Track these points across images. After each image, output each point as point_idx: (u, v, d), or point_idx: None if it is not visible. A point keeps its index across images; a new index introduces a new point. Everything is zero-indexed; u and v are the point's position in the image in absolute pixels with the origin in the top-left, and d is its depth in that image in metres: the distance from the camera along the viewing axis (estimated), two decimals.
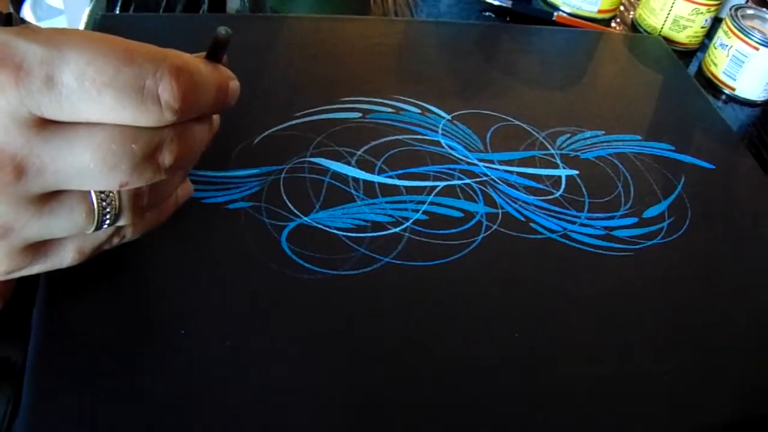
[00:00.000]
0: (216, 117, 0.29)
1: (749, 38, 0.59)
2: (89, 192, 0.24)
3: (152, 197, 0.27)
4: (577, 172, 0.46)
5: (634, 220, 0.44)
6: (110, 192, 0.25)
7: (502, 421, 0.32)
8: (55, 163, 0.22)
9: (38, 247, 0.25)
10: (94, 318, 0.32)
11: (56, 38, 0.21)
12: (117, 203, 0.25)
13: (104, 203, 0.25)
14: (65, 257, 0.26)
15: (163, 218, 0.31)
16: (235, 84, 0.27)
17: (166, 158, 0.24)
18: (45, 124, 0.22)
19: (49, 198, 0.23)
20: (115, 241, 0.28)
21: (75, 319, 0.32)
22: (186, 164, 0.27)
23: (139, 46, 0.22)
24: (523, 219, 0.42)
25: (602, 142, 0.49)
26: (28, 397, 0.29)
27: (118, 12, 0.57)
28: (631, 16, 0.73)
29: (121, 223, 0.26)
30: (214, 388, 0.31)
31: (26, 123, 0.21)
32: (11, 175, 0.22)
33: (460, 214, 0.41)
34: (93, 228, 0.25)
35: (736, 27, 0.60)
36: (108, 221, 0.25)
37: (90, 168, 0.22)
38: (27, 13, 1.08)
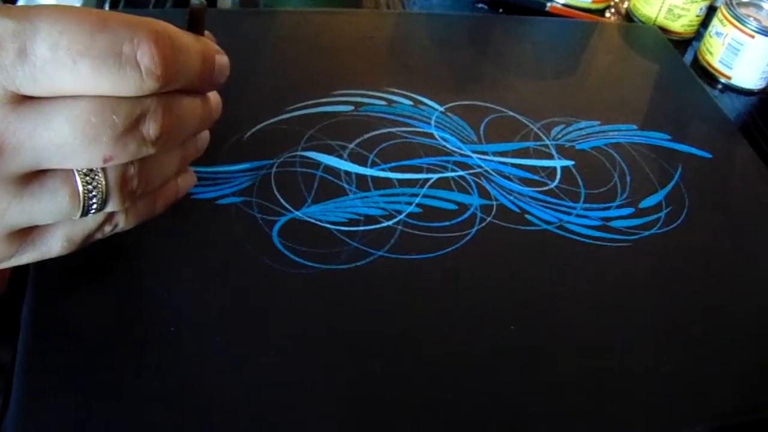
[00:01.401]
0: (217, 99, 0.28)
1: (745, 26, 0.58)
2: (73, 174, 0.23)
3: (144, 181, 0.26)
4: (572, 162, 0.46)
5: (631, 210, 0.43)
6: (96, 174, 0.24)
7: (498, 415, 0.32)
8: (32, 140, 0.21)
9: (24, 235, 0.24)
10: (83, 315, 0.32)
11: (29, 12, 0.21)
12: (103, 186, 0.24)
13: (90, 186, 0.24)
14: (54, 245, 0.26)
15: (161, 207, 0.29)
16: (222, 58, 0.27)
17: (151, 129, 0.23)
18: (21, 100, 0.21)
19: (30, 180, 0.23)
20: (107, 229, 0.27)
21: (64, 316, 0.32)
22: (175, 139, 0.26)
23: (115, 14, 0.22)
24: (518, 210, 0.41)
25: (598, 132, 0.49)
26: (17, 395, 0.29)
27: (107, 9, 0.57)
28: (625, 6, 0.72)
29: (109, 208, 0.25)
30: (205, 384, 0.31)
31: (1, 100, 0.21)
32: None
33: (454, 207, 0.41)
34: (79, 213, 0.24)
35: (731, 15, 0.59)
36: (95, 206, 0.24)
37: (69, 142, 0.22)
38: None
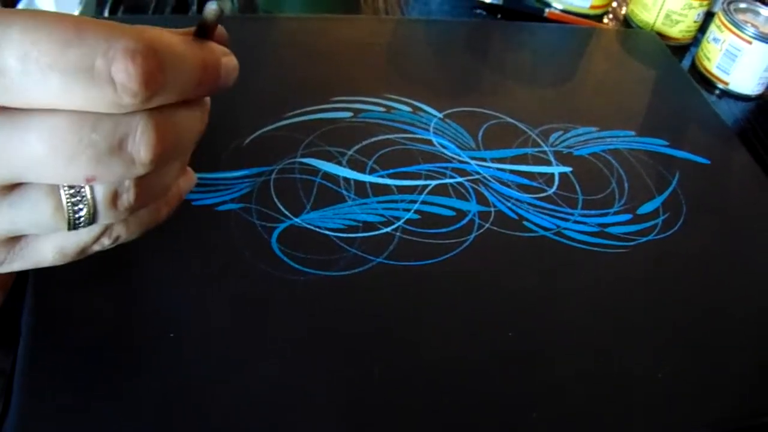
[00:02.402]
0: (207, 102, 0.26)
1: (742, 32, 0.58)
2: (58, 187, 0.22)
3: (141, 194, 0.24)
4: (570, 169, 0.46)
5: (629, 216, 0.43)
6: (81, 188, 0.22)
7: (496, 421, 0.32)
8: (6, 152, 0.20)
9: (12, 243, 0.24)
10: (83, 320, 0.32)
11: (4, 17, 0.19)
12: (90, 201, 0.22)
13: (74, 199, 0.22)
14: (45, 256, 0.24)
15: (165, 215, 0.27)
16: (229, 60, 0.25)
17: (142, 150, 0.21)
18: None
19: (10, 190, 0.22)
20: (106, 242, 0.25)
21: (64, 322, 0.32)
22: (173, 156, 0.24)
23: (94, 23, 0.20)
24: (516, 217, 0.42)
25: (596, 138, 0.49)
26: (17, 398, 0.29)
27: (107, 14, 0.57)
28: (623, 12, 0.72)
29: (102, 222, 0.24)
30: (204, 389, 0.31)
31: None
32: None
33: (452, 213, 0.41)
34: (66, 226, 0.23)
35: (729, 21, 0.59)
36: (83, 220, 0.23)
37: (44, 159, 0.20)
38: None
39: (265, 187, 0.40)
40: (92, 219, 0.23)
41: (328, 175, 0.41)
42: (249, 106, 0.45)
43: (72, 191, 0.22)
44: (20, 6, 1.11)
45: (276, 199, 0.39)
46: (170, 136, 0.22)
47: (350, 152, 0.43)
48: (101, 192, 0.23)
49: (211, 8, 0.23)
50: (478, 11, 0.67)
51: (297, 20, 0.56)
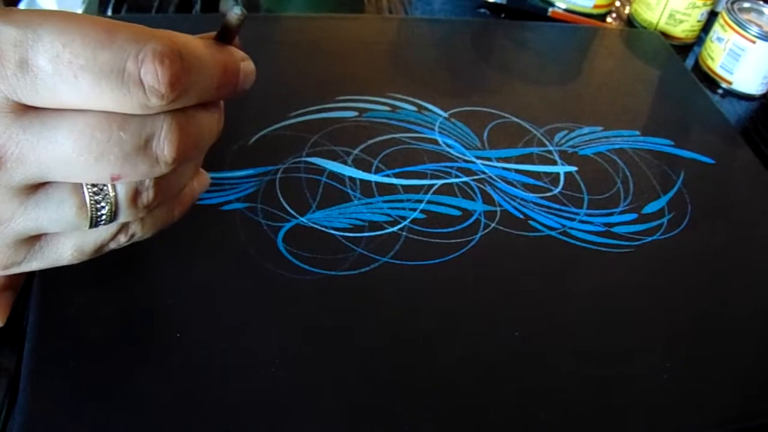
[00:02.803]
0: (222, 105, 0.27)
1: (746, 31, 0.58)
2: (81, 186, 0.23)
3: (159, 193, 0.24)
4: (575, 168, 0.46)
5: (634, 216, 0.43)
6: (104, 186, 0.23)
7: (502, 420, 0.32)
8: (35, 152, 0.21)
9: (33, 242, 0.24)
10: (89, 321, 0.32)
11: (33, 19, 0.20)
12: (113, 199, 0.23)
13: (98, 197, 0.23)
14: (63, 254, 0.25)
15: (178, 214, 0.28)
16: (248, 65, 0.25)
17: (166, 149, 0.22)
18: (25, 110, 0.21)
19: (36, 189, 0.22)
20: (123, 240, 0.26)
21: (70, 322, 0.32)
22: (193, 156, 0.24)
23: (124, 26, 0.21)
24: (521, 216, 0.41)
25: (601, 138, 0.49)
26: (23, 400, 0.29)
27: (110, 13, 0.57)
28: (626, 11, 0.72)
29: (121, 220, 0.24)
30: (211, 389, 0.31)
31: (3, 109, 0.20)
32: None
33: (458, 213, 0.41)
34: (87, 224, 0.23)
35: (732, 20, 0.59)
36: (104, 218, 0.24)
37: (73, 158, 0.21)
38: None
39: (271, 186, 0.40)
40: (113, 217, 0.24)
41: (333, 175, 0.41)
42: (254, 106, 0.45)
43: (95, 189, 0.23)
44: (21, 5, 1.11)
45: (282, 199, 0.39)
46: (191, 136, 0.23)
47: (356, 151, 0.43)
48: (123, 190, 0.23)
49: (235, 13, 0.24)
50: (482, 10, 0.67)
51: (301, 20, 0.56)
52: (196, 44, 0.23)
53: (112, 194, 0.23)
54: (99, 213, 0.23)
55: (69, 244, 0.25)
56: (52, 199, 0.23)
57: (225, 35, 0.25)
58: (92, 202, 0.23)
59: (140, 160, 0.22)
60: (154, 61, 0.21)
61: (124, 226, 0.26)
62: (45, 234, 0.24)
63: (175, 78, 0.21)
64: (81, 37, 0.20)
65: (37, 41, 0.20)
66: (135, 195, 0.24)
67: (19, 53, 0.20)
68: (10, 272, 0.25)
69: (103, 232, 0.25)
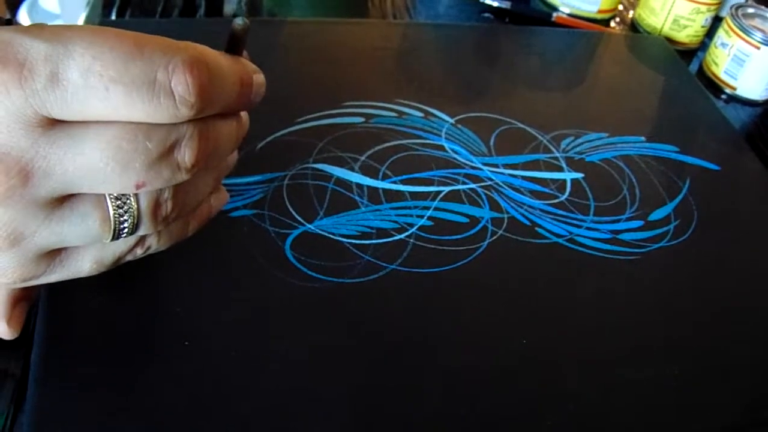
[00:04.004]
0: (245, 116, 0.28)
1: (750, 37, 0.58)
2: (105, 199, 0.23)
3: (177, 205, 0.25)
4: (582, 175, 0.46)
5: (640, 223, 0.43)
6: (127, 199, 0.23)
7: (510, 428, 0.32)
8: (62, 164, 0.21)
9: (54, 255, 0.24)
10: (96, 328, 0.32)
11: (62, 33, 0.20)
12: (135, 211, 0.24)
13: (121, 210, 0.23)
14: (83, 267, 0.25)
15: (194, 228, 0.29)
16: (260, 77, 0.26)
17: (186, 156, 0.23)
18: (53, 124, 0.21)
19: (60, 203, 0.22)
20: (139, 252, 0.27)
21: (78, 329, 0.32)
22: (211, 164, 0.25)
23: (150, 38, 0.21)
24: (528, 223, 0.41)
25: (606, 144, 0.49)
26: (31, 406, 0.29)
27: (114, 17, 0.57)
28: (630, 16, 0.72)
29: (141, 232, 0.25)
30: (219, 396, 0.31)
31: (32, 123, 0.20)
32: (17, 178, 0.21)
33: (465, 220, 0.41)
34: (110, 237, 0.24)
35: (736, 26, 0.59)
36: (126, 230, 0.24)
37: (101, 168, 0.21)
38: (23, 17, 1.07)
39: (278, 193, 0.40)
40: (134, 230, 0.24)
41: (340, 181, 0.41)
42: (260, 112, 0.44)
43: (118, 203, 0.23)
44: (24, 7, 1.11)
45: (289, 205, 0.39)
46: (211, 143, 0.24)
47: (363, 158, 0.43)
48: (145, 203, 0.24)
49: (238, 22, 0.24)
50: (486, 15, 0.67)
51: (305, 24, 0.56)
52: (215, 55, 0.23)
53: (134, 207, 0.24)
54: (122, 226, 0.24)
55: (89, 257, 0.25)
56: (77, 213, 0.23)
57: (233, 46, 0.25)
58: (116, 215, 0.23)
59: (164, 167, 0.23)
60: (184, 71, 0.21)
61: (141, 239, 0.26)
62: (66, 247, 0.24)
63: (203, 88, 0.22)
64: (110, 50, 0.20)
65: (67, 55, 0.20)
66: (156, 207, 0.24)
67: (50, 67, 0.20)
68: (29, 284, 0.25)
69: (122, 244, 0.25)
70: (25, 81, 0.20)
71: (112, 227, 0.24)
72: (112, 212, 0.23)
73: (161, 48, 0.21)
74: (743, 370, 0.37)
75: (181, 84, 0.21)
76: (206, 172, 0.26)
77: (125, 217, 0.24)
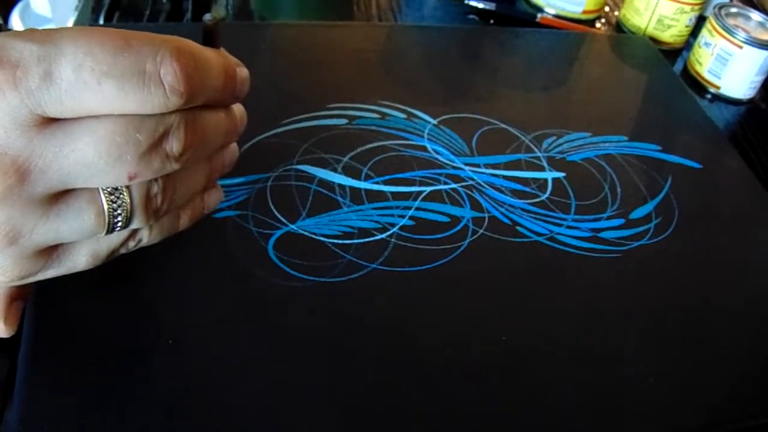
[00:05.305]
0: (242, 112, 0.29)
1: (733, 37, 0.59)
2: (98, 194, 0.24)
3: (168, 198, 0.26)
4: (563, 174, 0.46)
5: (621, 221, 0.44)
6: (120, 194, 0.24)
7: (490, 425, 0.32)
8: (58, 161, 0.22)
9: (50, 252, 0.25)
10: (82, 328, 0.32)
11: (52, 35, 0.21)
12: (128, 205, 0.24)
13: (114, 204, 0.24)
14: (79, 261, 0.26)
15: (185, 223, 0.29)
16: (243, 71, 0.27)
17: (174, 145, 0.23)
18: (47, 123, 0.22)
19: (56, 200, 0.23)
20: (131, 245, 0.27)
21: (64, 329, 0.32)
22: (200, 154, 0.26)
23: (137, 33, 0.22)
24: (509, 222, 0.42)
25: (589, 143, 0.49)
26: (18, 406, 0.29)
27: (102, 22, 0.57)
28: (615, 16, 0.73)
29: (134, 225, 0.25)
30: (202, 394, 0.31)
31: (28, 123, 0.21)
32: (14, 177, 0.21)
33: (446, 219, 0.41)
34: (105, 231, 0.25)
35: (720, 26, 0.60)
36: (120, 223, 0.25)
37: (95, 162, 0.22)
38: (15, 20, 1.08)
39: (262, 194, 0.40)
40: (127, 223, 0.25)
41: (323, 182, 0.42)
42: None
43: (112, 197, 0.24)
44: (16, 11, 1.12)
45: (272, 206, 0.40)
46: (198, 134, 0.24)
47: (345, 159, 0.44)
48: (137, 195, 0.24)
49: (207, 17, 0.26)
50: (471, 16, 0.67)
51: (290, 27, 0.56)
52: (199, 46, 0.24)
53: (127, 200, 0.24)
54: (115, 220, 0.24)
55: (84, 252, 0.26)
56: (72, 209, 0.23)
57: (208, 42, 0.26)
58: (110, 209, 0.24)
59: (154, 157, 0.23)
60: (172, 61, 0.22)
61: (133, 232, 0.27)
62: (62, 243, 0.25)
63: (190, 76, 0.22)
64: (100, 46, 0.21)
65: (59, 54, 0.21)
66: (147, 200, 0.25)
67: (43, 67, 0.21)
68: (26, 282, 0.25)
69: (116, 238, 0.26)
70: (19, 82, 0.20)
71: (107, 221, 0.24)
72: (106, 206, 0.24)
73: (148, 41, 0.22)
74: (724, 365, 0.37)
75: (170, 74, 0.22)
76: (197, 166, 0.27)
77: (119, 211, 0.24)
